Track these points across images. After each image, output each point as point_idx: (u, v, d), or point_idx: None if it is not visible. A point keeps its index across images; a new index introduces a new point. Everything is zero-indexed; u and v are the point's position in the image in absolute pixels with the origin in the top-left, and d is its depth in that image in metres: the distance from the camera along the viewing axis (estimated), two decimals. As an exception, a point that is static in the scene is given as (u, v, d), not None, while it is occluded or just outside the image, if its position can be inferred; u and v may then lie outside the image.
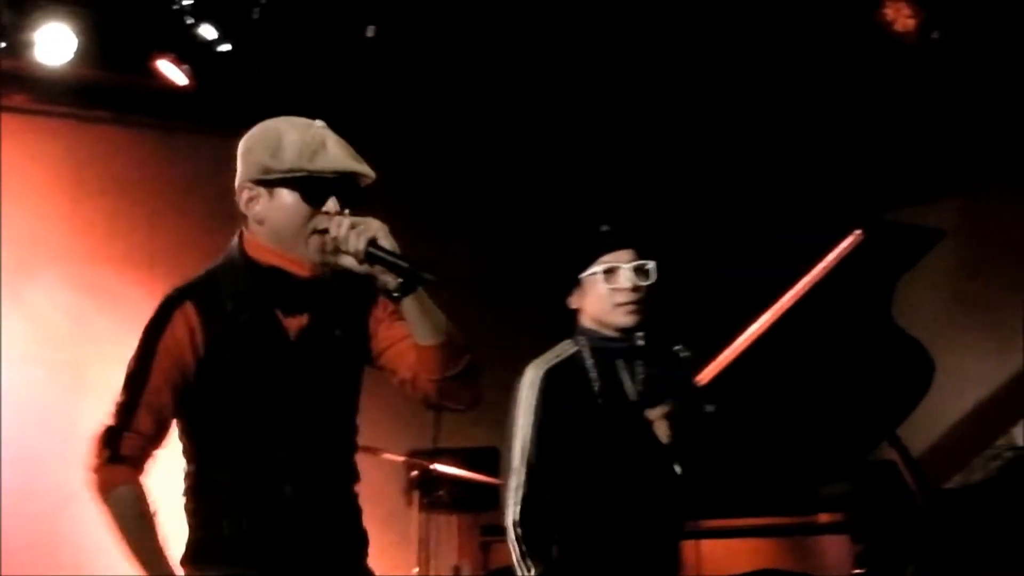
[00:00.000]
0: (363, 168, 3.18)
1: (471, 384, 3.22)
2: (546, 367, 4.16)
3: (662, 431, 4.13)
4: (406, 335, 3.18)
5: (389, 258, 3.05)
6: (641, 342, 4.20)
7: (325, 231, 3.10)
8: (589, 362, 4.18)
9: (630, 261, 4.14)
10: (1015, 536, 4.84)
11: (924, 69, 6.14)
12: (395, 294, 3.10)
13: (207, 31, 5.72)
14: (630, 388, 4.19)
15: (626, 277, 4.12)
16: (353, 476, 3.29)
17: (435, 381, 3.17)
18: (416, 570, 6.13)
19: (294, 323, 3.20)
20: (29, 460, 6.08)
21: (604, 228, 4.23)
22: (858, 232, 4.60)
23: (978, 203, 7.12)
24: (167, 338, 3.14)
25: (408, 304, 3.11)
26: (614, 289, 4.11)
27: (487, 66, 6.39)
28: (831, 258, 4.47)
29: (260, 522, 3.13)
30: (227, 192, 3.23)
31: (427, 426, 5.74)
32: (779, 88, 6.55)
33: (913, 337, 5.34)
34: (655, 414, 4.15)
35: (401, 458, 6.05)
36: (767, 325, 4.35)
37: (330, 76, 6.17)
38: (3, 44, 5.63)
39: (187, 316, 3.14)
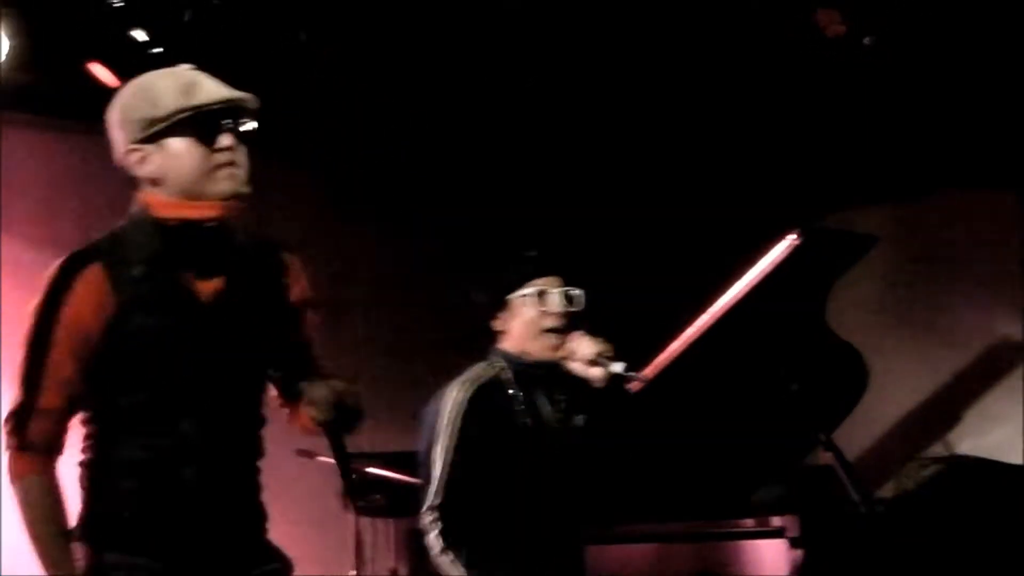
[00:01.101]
0: (243, 95, 3.05)
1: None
2: (474, 388, 4.17)
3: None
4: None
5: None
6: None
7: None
8: (512, 386, 4.20)
9: (558, 287, 4.20)
10: (949, 544, 4.87)
11: (856, 76, 6.18)
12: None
13: (138, 34, 5.66)
14: (548, 413, 4.24)
15: (556, 301, 4.17)
16: (258, 451, 3.16)
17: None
18: (353, 573, 6.10)
19: (208, 286, 3.04)
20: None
21: (532, 254, 4.29)
22: (793, 236, 4.61)
23: (908, 210, 7.18)
24: (70, 306, 2.95)
25: None
26: (544, 312, 4.16)
27: (421, 71, 6.37)
28: (766, 262, 4.48)
29: (161, 506, 2.98)
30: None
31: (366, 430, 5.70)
32: (711, 93, 6.58)
33: (847, 342, 5.36)
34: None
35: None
36: (701, 330, 4.35)
37: (263, 78, 6.12)
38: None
39: (94, 280, 2.96)
